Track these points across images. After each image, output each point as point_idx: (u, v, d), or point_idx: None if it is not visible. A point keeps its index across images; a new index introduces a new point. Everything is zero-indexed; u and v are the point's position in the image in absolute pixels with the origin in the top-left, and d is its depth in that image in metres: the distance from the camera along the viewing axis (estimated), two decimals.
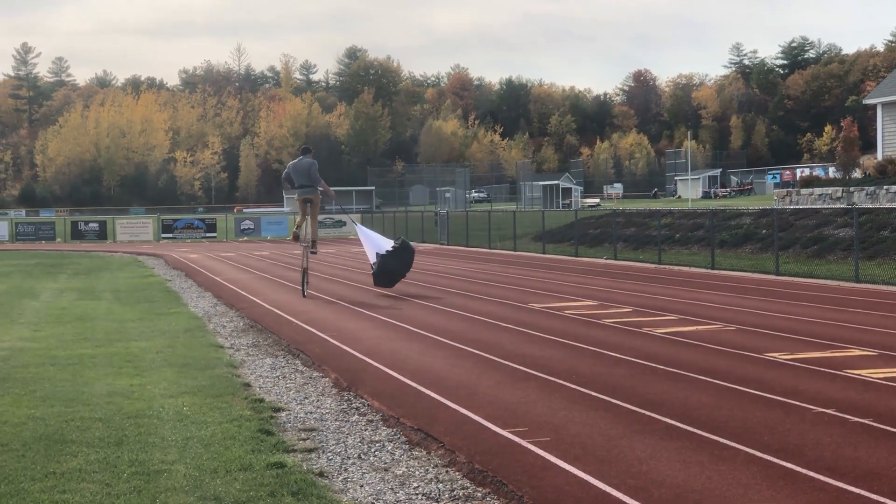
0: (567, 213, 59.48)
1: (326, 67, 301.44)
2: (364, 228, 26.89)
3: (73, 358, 15.18)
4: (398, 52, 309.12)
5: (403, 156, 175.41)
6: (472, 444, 9.64)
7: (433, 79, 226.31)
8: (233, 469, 8.77)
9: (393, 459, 9.36)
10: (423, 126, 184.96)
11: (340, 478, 8.78)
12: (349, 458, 9.44)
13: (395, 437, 10.21)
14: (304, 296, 24.88)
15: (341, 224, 76.71)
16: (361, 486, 8.54)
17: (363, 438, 10.18)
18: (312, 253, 25.22)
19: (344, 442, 10.06)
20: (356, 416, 11.21)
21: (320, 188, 24.70)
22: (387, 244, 25.64)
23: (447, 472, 8.86)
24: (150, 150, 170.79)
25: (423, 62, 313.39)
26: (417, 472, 8.87)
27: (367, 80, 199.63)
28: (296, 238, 25.57)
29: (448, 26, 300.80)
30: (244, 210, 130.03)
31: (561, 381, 12.58)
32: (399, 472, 8.90)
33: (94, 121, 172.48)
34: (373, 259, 25.66)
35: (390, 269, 25.49)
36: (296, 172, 24.59)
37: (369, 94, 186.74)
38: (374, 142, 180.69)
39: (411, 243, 26.28)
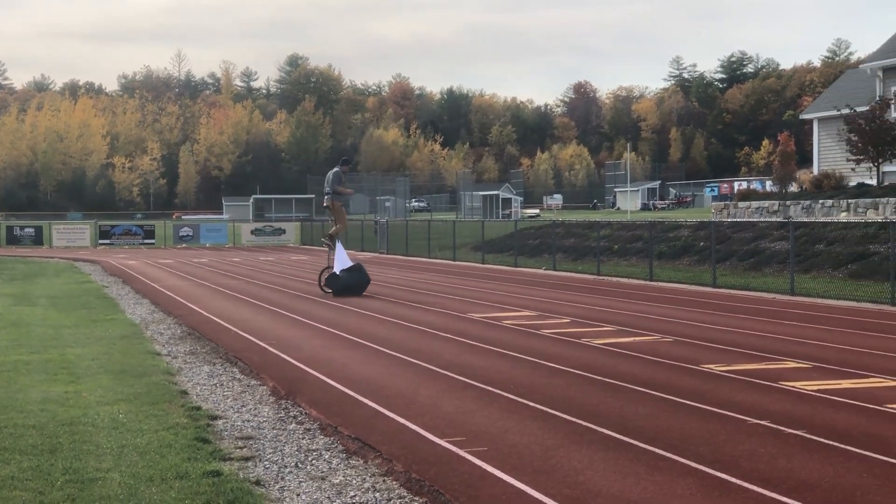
0: (507, 223, 59.64)
1: (268, 75, 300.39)
2: (340, 246, 28.14)
3: (8, 364, 15.01)
4: (340, 60, 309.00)
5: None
6: (409, 453, 9.63)
7: (374, 88, 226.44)
8: (168, 477, 8.70)
9: (330, 468, 9.33)
10: (363, 135, 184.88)
11: (277, 486, 8.74)
12: (286, 466, 9.40)
13: (333, 445, 10.18)
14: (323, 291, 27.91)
15: (281, 231, 76.43)
16: (298, 494, 8.50)
17: (300, 447, 10.14)
18: (327, 245, 28.70)
19: (281, 450, 10.01)
20: (294, 425, 11.17)
21: (329, 193, 27.75)
22: (348, 264, 27.67)
23: (384, 481, 8.84)
24: (88, 155, 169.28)
25: (364, 71, 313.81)
26: (354, 481, 8.84)
27: (308, 88, 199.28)
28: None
29: (390, 35, 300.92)
30: (183, 217, 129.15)
31: (499, 392, 12.60)
32: (336, 481, 8.87)
33: (31, 125, 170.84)
34: (336, 269, 27.55)
35: (347, 284, 27.34)
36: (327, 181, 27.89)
37: (310, 102, 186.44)
38: (315, 150, 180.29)
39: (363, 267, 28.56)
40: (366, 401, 12.20)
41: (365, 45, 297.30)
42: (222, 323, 20.92)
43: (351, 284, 27.38)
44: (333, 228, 28.53)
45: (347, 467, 9.34)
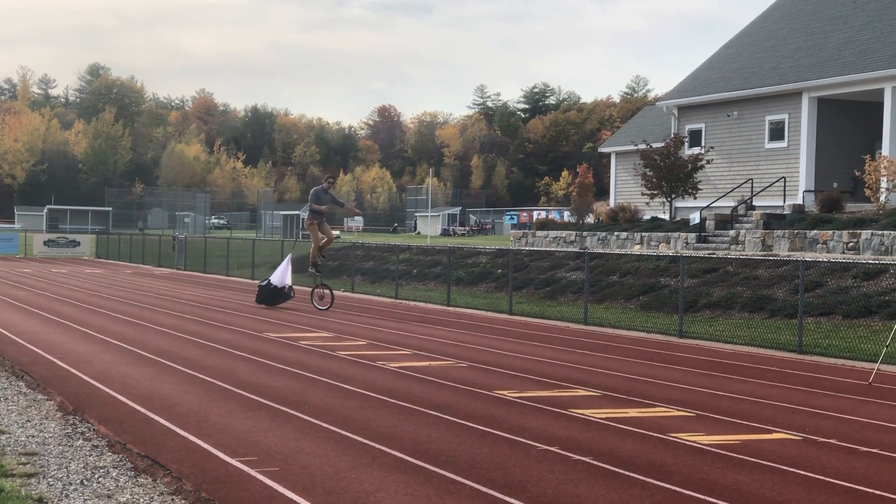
0: (307, 243, 59.41)
1: (67, 83, 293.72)
2: (287, 261, 30.11)
3: None
4: (143, 72, 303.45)
5: (144, 178, 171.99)
6: (199, 472, 9.51)
7: (178, 102, 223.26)
8: None
9: (117, 486, 9.14)
10: (164, 149, 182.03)
11: None
12: (71, 483, 9.18)
13: (121, 463, 9.99)
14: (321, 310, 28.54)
15: (75, 243, 74.69)
16: None
17: (87, 464, 9.92)
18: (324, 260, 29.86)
19: (66, 467, 9.78)
20: (81, 441, 10.93)
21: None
22: (281, 281, 29.50)
23: (173, 500, 8.71)
24: None
25: (168, 84, 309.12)
26: (142, 500, 8.69)
27: (109, 98, 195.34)
28: (316, 267, 29.53)
29: (195, 50, 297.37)
30: None
31: (293, 412, 12.55)
32: (123, 500, 8.70)
33: None
34: (274, 282, 29.51)
35: (270, 295, 29.59)
36: (326, 203, 28.66)
37: (110, 113, 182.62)
38: (114, 162, 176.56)
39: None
40: (157, 418, 12.02)
41: (169, 58, 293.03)
42: (9, 335, 20.36)
43: (273, 298, 29.57)
44: (311, 251, 29.58)
45: (135, 485, 9.17)
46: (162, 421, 11.87)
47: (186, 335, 21.33)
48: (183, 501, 8.66)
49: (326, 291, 29.16)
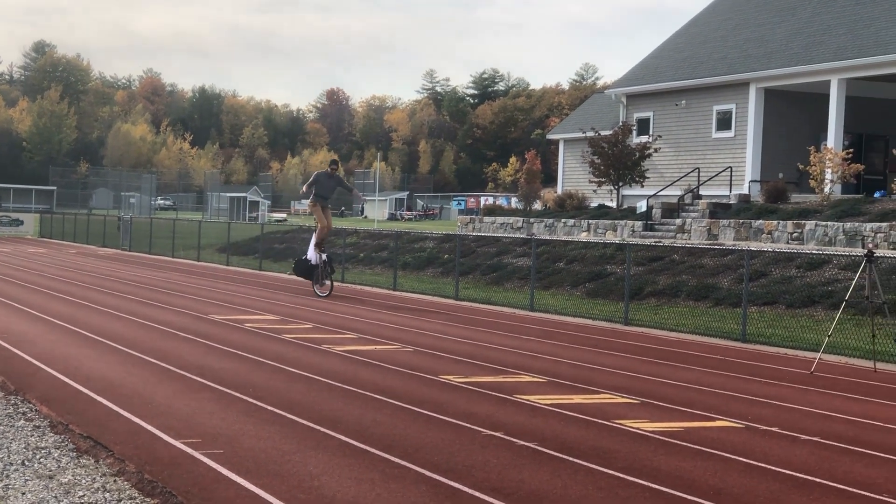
0: (253, 226, 59.18)
1: (11, 60, 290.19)
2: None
3: None
4: (90, 50, 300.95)
5: (89, 157, 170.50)
6: (143, 453, 9.46)
7: (125, 81, 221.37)
8: None
9: (59, 467, 9.07)
10: (111, 129, 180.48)
11: (1, 485, 8.46)
12: (12, 464, 9.10)
13: (63, 444, 9.91)
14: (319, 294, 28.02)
15: (18, 222, 74.01)
16: (24, 493, 8.23)
17: (28, 444, 9.84)
18: (323, 251, 28.42)
19: (7, 447, 9.69)
20: (22, 422, 10.83)
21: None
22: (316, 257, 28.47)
23: (115, 481, 8.65)
24: None
25: (115, 63, 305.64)
26: (84, 481, 8.62)
27: (54, 76, 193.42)
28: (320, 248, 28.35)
29: (143, 29, 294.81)
30: None
31: (238, 394, 12.51)
32: (64, 480, 8.63)
33: None
34: (311, 259, 28.56)
35: (309, 268, 28.67)
36: (327, 188, 28.19)
37: (56, 92, 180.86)
38: (59, 141, 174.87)
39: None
40: (100, 399, 11.94)
41: (116, 36, 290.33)
42: None
43: (310, 272, 28.73)
44: (317, 231, 28.74)
45: (77, 466, 9.10)
46: (105, 402, 11.79)
47: (131, 316, 21.20)
48: (126, 483, 8.61)
49: (327, 282, 28.56)
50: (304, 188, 28.92)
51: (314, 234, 28.74)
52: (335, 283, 29.34)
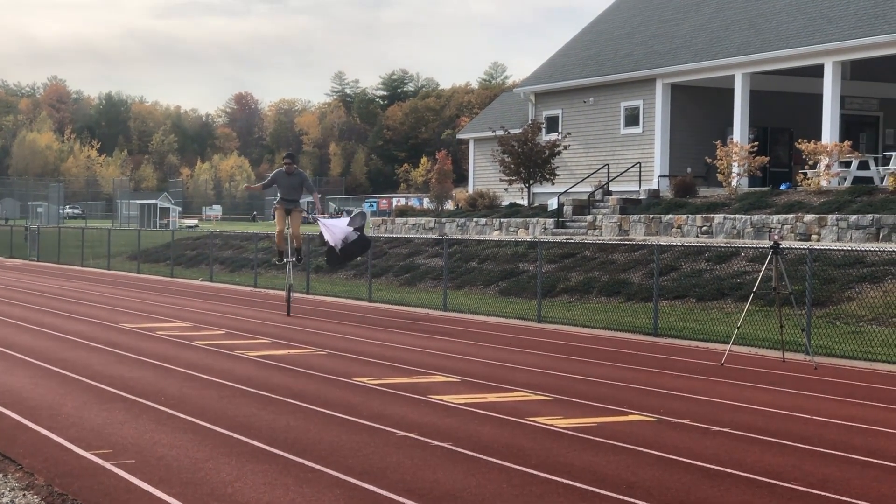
0: (164, 233, 58.67)
1: None
2: (324, 221, 25.97)
3: None
4: None
5: None
6: (52, 466, 9.34)
7: (28, 89, 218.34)
8: None
9: None
10: (15, 138, 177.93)
11: None
12: None
13: None
14: (288, 314, 24.34)
15: None
16: None
17: None
18: (299, 261, 25.51)
19: None
20: None
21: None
22: (335, 240, 24.72)
23: (24, 495, 8.52)
24: None
25: (18, 71, 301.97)
26: None
27: None
28: (281, 255, 25.06)
29: (46, 35, 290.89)
30: None
31: (149, 403, 12.40)
32: None
33: None
34: (332, 243, 24.69)
35: (351, 252, 25.73)
36: (285, 188, 24.47)
37: None
38: None
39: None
40: (7, 412, 11.77)
41: (19, 43, 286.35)
42: None
43: (343, 258, 26.20)
44: (293, 242, 24.88)
45: None
46: (13, 415, 11.63)
47: (39, 327, 20.93)
48: (35, 496, 8.49)
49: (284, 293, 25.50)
50: (259, 186, 28.00)
51: (322, 228, 25.44)
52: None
